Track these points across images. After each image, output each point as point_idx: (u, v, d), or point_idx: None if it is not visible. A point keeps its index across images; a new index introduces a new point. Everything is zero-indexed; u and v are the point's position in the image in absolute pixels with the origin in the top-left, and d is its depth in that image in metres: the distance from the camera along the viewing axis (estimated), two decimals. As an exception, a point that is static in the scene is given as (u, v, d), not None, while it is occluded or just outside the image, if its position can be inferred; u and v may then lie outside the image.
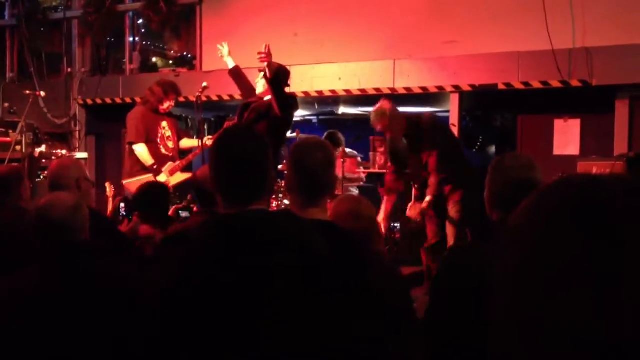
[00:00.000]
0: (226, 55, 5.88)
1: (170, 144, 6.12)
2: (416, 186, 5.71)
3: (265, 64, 5.06)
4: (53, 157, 7.25)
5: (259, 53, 5.05)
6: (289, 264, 1.78)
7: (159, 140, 6.07)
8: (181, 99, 6.49)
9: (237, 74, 5.86)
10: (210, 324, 1.70)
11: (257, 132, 2.11)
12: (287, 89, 5.46)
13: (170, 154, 6.12)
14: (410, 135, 5.58)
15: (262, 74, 5.41)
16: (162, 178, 5.91)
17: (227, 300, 1.71)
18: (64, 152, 7.55)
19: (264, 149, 2.02)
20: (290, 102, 5.42)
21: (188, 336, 1.72)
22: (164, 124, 6.11)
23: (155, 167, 5.93)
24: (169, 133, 6.13)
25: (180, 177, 6.05)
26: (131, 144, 6.03)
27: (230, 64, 5.87)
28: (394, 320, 2.36)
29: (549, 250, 0.74)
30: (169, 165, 6.03)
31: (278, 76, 5.18)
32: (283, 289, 1.74)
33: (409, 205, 5.72)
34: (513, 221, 0.81)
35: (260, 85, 5.48)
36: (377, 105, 5.60)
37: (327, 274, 1.85)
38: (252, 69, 5.80)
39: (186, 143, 6.35)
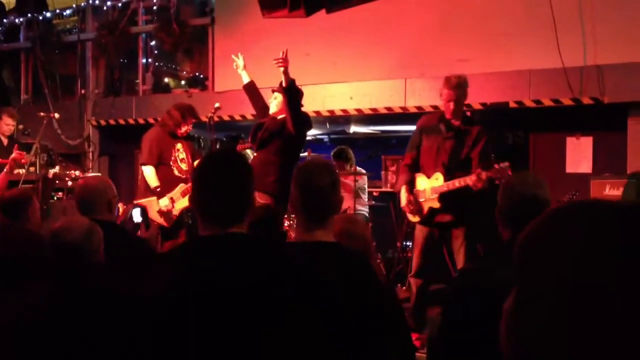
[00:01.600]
0: (241, 67, 5.87)
1: (184, 166, 6.14)
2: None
3: (282, 69, 5.08)
4: (67, 178, 7.30)
5: (276, 59, 5.06)
6: (261, 287, 1.78)
7: (172, 162, 6.10)
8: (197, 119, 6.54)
9: (251, 89, 5.85)
10: (182, 344, 1.71)
11: (239, 156, 2.12)
12: (301, 108, 5.46)
13: (184, 176, 6.13)
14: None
15: (276, 93, 5.42)
16: (163, 202, 5.93)
17: (199, 321, 1.72)
18: (77, 172, 7.59)
19: (244, 172, 2.03)
20: (304, 119, 5.41)
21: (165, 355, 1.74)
22: (179, 146, 6.14)
23: (159, 189, 5.94)
24: (182, 155, 6.16)
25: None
26: (142, 164, 6.06)
27: (245, 79, 5.86)
28: (391, 339, 2.37)
29: (585, 273, 0.75)
30: (181, 187, 6.05)
31: (293, 86, 5.18)
32: (255, 312, 1.74)
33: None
34: (527, 243, 0.82)
35: (274, 105, 5.48)
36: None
37: (310, 295, 1.85)
38: (266, 89, 5.84)
39: None
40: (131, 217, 4.31)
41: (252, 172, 2.07)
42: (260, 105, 5.76)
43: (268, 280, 1.80)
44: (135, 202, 6.18)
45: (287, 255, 1.95)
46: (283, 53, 5.09)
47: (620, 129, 6.36)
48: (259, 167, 5.36)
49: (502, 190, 2.47)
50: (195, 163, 6.27)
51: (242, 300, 1.74)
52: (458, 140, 5.08)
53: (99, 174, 8.67)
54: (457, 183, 4.94)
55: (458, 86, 5.01)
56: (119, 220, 5.13)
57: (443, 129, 5.11)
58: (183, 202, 6.03)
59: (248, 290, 1.76)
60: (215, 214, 1.94)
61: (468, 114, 5.45)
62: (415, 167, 5.28)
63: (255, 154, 5.81)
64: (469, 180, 4.86)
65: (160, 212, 5.85)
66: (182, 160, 6.14)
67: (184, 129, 6.07)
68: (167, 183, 6.00)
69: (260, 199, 5.26)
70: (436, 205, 5.04)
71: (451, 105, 5.03)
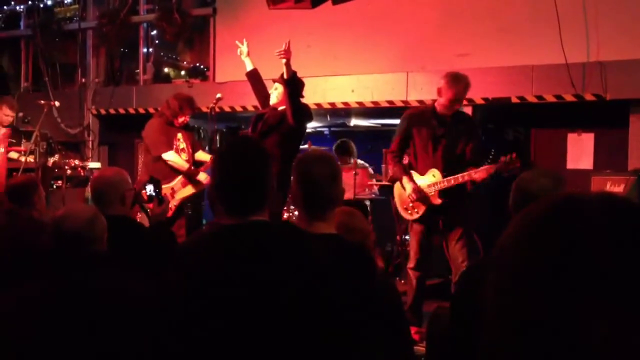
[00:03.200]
0: (245, 54, 5.83)
1: (185, 156, 6.13)
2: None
3: (284, 61, 5.04)
4: (66, 167, 7.28)
5: (279, 51, 5.03)
6: (286, 274, 1.79)
7: (173, 152, 6.09)
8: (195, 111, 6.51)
9: (254, 76, 5.82)
10: (210, 334, 1.72)
11: (259, 144, 2.12)
12: (301, 100, 5.43)
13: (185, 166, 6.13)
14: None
15: (277, 84, 5.39)
16: (202, 177, 6.03)
17: (226, 310, 1.72)
18: (76, 161, 7.57)
19: (264, 160, 2.03)
20: (304, 112, 5.38)
21: (189, 346, 1.73)
22: (179, 135, 6.12)
23: (191, 169, 6.03)
24: (183, 145, 6.14)
25: (189, 190, 6.06)
26: (158, 157, 5.98)
27: (249, 66, 5.82)
28: (391, 330, 2.37)
29: (531, 266, 0.76)
30: (180, 177, 6.04)
31: (295, 78, 5.15)
32: (281, 298, 1.76)
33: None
34: (502, 239, 0.83)
35: (275, 96, 5.44)
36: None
37: (325, 285, 1.85)
38: (266, 80, 5.81)
39: (201, 156, 6.34)
40: (144, 188, 4.23)
41: (270, 160, 2.07)
42: (263, 94, 5.72)
43: (290, 269, 1.81)
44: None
45: (308, 244, 1.95)
46: (285, 44, 5.06)
47: (622, 126, 6.35)
48: None
49: (514, 187, 2.46)
50: (197, 154, 6.28)
51: (266, 290, 1.75)
52: (452, 136, 5.03)
53: (98, 163, 8.65)
54: (460, 178, 4.88)
55: (466, 87, 4.97)
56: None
57: (436, 124, 5.05)
58: (183, 192, 6.02)
59: (271, 280, 1.77)
60: (236, 202, 1.95)
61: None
62: (402, 154, 5.25)
63: None
64: (475, 174, 4.82)
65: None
66: (182, 150, 6.13)
67: (181, 119, 6.05)
68: (168, 171, 5.99)
69: None
70: (437, 201, 4.99)
71: (457, 105, 5.01)
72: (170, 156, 5.97)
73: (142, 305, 2.17)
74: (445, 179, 4.93)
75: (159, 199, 4.06)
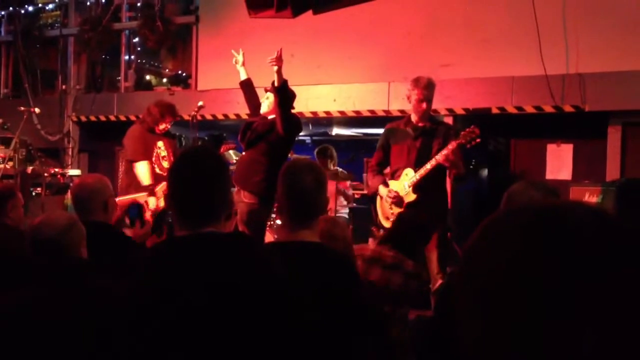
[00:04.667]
0: (240, 63, 5.79)
1: (165, 164, 6.09)
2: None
3: (275, 68, 5.05)
4: (45, 174, 7.23)
5: (271, 58, 5.03)
6: (234, 286, 1.77)
7: (153, 159, 6.05)
8: (176, 118, 6.48)
9: (248, 86, 5.78)
10: (146, 345, 1.70)
11: (213, 153, 2.09)
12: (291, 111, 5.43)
13: (165, 174, 6.08)
14: None
15: (268, 93, 5.39)
16: (152, 201, 5.87)
17: (172, 325, 1.71)
18: (56, 169, 7.52)
19: (218, 171, 2.00)
20: (294, 122, 5.36)
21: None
22: (160, 143, 6.08)
23: (151, 187, 5.88)
24: (164, 153, 6.10)
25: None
26: (132, 161, 5.98)
27: (243, 75, 5.79)
28: (373, 340, 2.37)
29: (515, 272, 0.74)
30: (163, 185, 6.00)
31: (286, 87, 5.16)
32: (230, 310, 1.73)
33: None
34: (472, 242, 0.81)
35: (266, 105, 5.43)
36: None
37: (280, 295, 1.84)
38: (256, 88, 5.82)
39: None
40: (128, 213, 4.24)
41: (226, 170, 2.05)
42: (254, 103, 5.70)
43: (233, 281, 1.78)
44: (130, 197, 6.10)
45: (257, 255, 1.93)
46: (277, 52, 5.07)
47: (600, 137, 6.44)
48: (246, 166, 5.36)
49: (507, 199, 2.47)
50: None
51: (205, 303, 1.73)
52: (427, 139, 5.08)
53: (78, 171, 8.59)
54: (428, 165, 4.92)
55: (429, 86, 5.05)
56: (116, 216, 5.07)
57: (411, 131, 5.12)
58: (163, 201, 5.98)
59: (211, 292, 1.74)
60: (188, 213, 1.92)
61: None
62: (382, 168, 5.31)
63: (241, 155, 5.77)
64: (439, 157, 4.86)
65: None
66: (163, 157, 6.09)
67: (162, 126, 6.02)
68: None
69: (245, 198, 5.22)
70: (412, 197, 5.01)
71: (424, 104, 5.05)
72: (139, 167, 5.91)
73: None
74: (417, 173, 4.98)
75: (142, 222, 4.07)
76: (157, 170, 6.07)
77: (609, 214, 0.77)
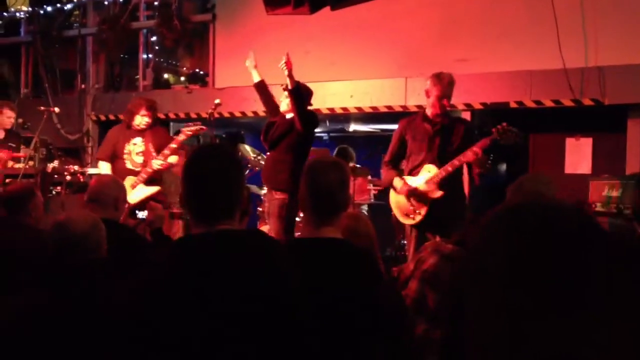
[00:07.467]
0: (252, 66, 5.84)
1: (139, 159, 6.09)
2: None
3: (286, 72, 5.09)
4: (65, 173, 7.28)
5: (282, 64, 5.08)
6: (251, 284, 1.77)
7: (125, 155, 6.09)
8: (193, 115, 6.51)
9: (262, 87, 5.84)
10: (169, 343, 1.71)
11: (228, 151, 2.08)
12: (307, 107, 5.50)
13: (137, 169, 6.08)
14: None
15: (286, 92, 5.43)
16: None
17: (188, 322, 1.71)
18: (76, 167, 7.58)
19: (233, 168, 1.99)
20: (310, 118, 5.48)
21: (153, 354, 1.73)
22: (137, 140, 6.09)
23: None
24: (140, 149, 6.09)
25: (146, 190, 5.99)
26: (96, 159, 6.24)
27: (255, 77, 5.84)
28: (396, 336, 2.37)
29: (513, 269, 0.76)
30: (129, 179, 5.96)
31: (299, 88, 5.22)
32: (245, 309, 1.74)
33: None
34: (473, 242, 0.83)
35: (285, 104, 5.55)
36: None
37: (293, 293, 1.84)
38: (271, 86, 5.84)
39: (173, 159, 6.20)
40: (133, 214, 4.30)
41: (239, 166, 2.05)
42: (271, 105, 5.80)
43: (255, 278, 1.79)
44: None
45: (276, 252, 1.94)
46: (285, 57, 5.09)
47: (620, 131, 6.37)
48: (271, 166, 5.57)
49: (512, 187, 2.47)
50: (170, 158, 6.16)
51: (228, 301, 1.73)
52: (446, 135, 4.99)
53: (97, 169, 8.64)
54: (457, 161, 4.79)
55: (450, 83, 4.98)
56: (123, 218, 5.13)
57: (429, 127, 5.03)
58: (138, 192, 5.97)
59: (233, 289, 1.75)
60: (203, 210, 1.93)
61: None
62: (397, 163, 5.24)
63: (265, 157, 5.85)
64: (469, 153, 4.72)
65: None
66: (137, 153, 6.10)
67: (137, 120, 6.04)
68: (118, 176, 5.94)
69: (277, 195, 5.43)
70: (438, 194, 4.89)
71: (444, 101, 4.97)
72: (99, 166, 6.20)
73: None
74: (442, 169, 4.88)
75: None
76: (128, 165, 6.09)
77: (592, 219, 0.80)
